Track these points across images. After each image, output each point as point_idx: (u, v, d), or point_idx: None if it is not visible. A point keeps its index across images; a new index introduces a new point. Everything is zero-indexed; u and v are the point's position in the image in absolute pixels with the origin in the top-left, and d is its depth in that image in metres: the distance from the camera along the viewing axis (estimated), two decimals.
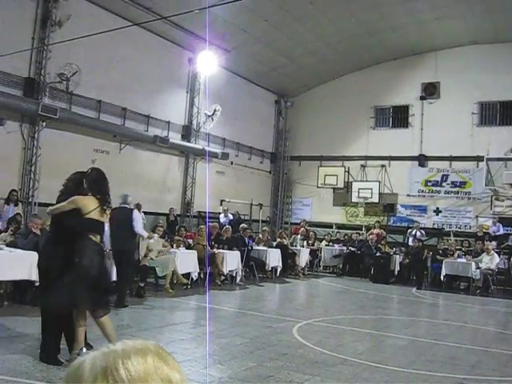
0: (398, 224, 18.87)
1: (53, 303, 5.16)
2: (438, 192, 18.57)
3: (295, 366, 5.73)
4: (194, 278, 11.36)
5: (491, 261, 13.97)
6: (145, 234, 9.77)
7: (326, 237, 17.90)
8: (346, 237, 18.23)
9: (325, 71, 19.69)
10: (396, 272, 15.46)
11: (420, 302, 12.43)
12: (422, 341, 7.60)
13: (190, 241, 12.90)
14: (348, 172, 20.13)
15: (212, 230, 13.13)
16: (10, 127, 11.72)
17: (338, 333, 7.90)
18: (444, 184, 18.49)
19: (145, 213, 12.96)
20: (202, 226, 12.96)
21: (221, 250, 12.30)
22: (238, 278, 12.70)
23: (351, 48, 18.08)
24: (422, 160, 18.76)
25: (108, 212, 5.57)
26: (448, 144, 17.99)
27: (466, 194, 18.11)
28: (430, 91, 18.77)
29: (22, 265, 7.58)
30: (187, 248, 12.00)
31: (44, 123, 12.17)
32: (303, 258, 15.61)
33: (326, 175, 20.14)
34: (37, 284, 7.64)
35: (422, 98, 18.93)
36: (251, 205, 18.92)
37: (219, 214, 16.95)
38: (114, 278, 8.48)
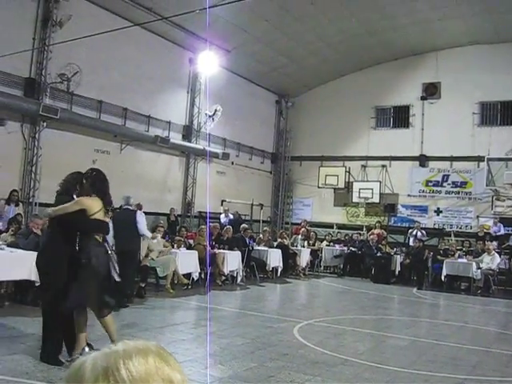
0: (399, 224, 18.87)
1: (58, 303, 5.17)
2: (439, 192, 18.56)
3: (296, 367, 5.73)
4: (195, 279, 11.36)
5: (492, 261, 13.96)
6: (149, 234, 9.88)
7: (327, 237, 17.89)
8: (346, 237, 18.22)
9: (325, 71, 19.69)
10: (397, 272, 15.45)
11: (421, 302, 12.43)
12: (422, 341, 7.59)
13: (191, 241, 12.90)
14: (349, 172, 20.12)
15: (213, 230, 13.13)
16: (10, 127, 11.73)
17: (338, 333, 7.90)
18: (445, 184, 18.49)
19: (145, 213, 12.85)
20: (203, 226, 12.97)
21: (221, 251, 12.30)
22: (239, 279, 12.69)
23: (352, 48, 18.08)
24: (423, 160, 18.76)
25: (110, 213, 5.61)
26: (449, 144, 17.99)
27: (466, 194, 18.11)
28: (431, 91, 18.76)
29: (22, 265, 7.58)
30: (188, 248, 12.00)
31: (45, 123, 12.18)
32: (304, 258, 15.61)
33: (326, 175, 20.13)
34: (37, 284, 7.65)
35: (422, 98, 18.93)
36: (252, 205, 18.92)
37: (220, 214, 16.95)
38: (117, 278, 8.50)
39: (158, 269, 10.40)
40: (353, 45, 17.79)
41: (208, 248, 11.70)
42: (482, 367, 6.27)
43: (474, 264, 13.89)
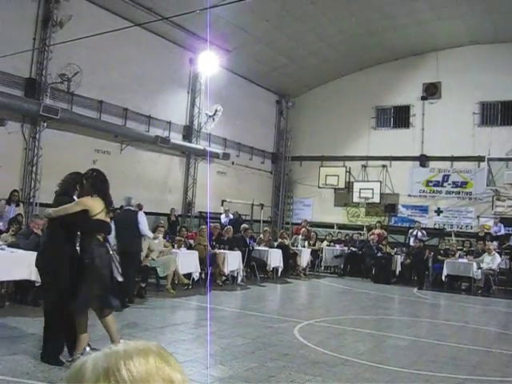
0: (399, 224, 18.86)
1: (63, 303, 5.18)
2: (440, 192, 18.56)
3: (296, 367, 5.73)
4: (195, 279, 11.37)
5: (492, 261, 13.96)
6: (151, 234, 9.96)
7: (327, 237, 17.89)
8: (347, 237, 18.22)
9: (326, 71, 19.69)
10: (397, 272, 15.46)
11: (421, 302, 12.43)
12: (423, 341, 7.59)
13: (192, 241, 12.90)
14: (349, 172, 20.12)
15: (213, 231, 13.14)
16: (11, 128, 11.73)
17: (339, 333, 7.90)
18: (445, 184, 18.49)
19: (146, 213, 12.83)
20: (203, 227, 12.97)
21: (222, 251, 12.30)
22: (239, 279, 12.70)
23: (352, 48, 18.08)
24: (423, 160, 18.76)
25: (110, 213, 5.63)
26: (449, 144, 17.98)
27: (467, 194, 18.11)
28: (431, 91, 18.76)
29: (23, 265, 7.59)
30: (188, 248, 12.00)
31: (45, 124, 12.19)
32: (304, 258, 15.61)
33: (327, 175, 20.13)
34: (37, 284, 7.66)
35: (423, 98, 18.93)
36: (252, 205, 18.92)
37: (220, 214, 16.96)
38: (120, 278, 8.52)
39: (158, 269, 10.41)
40: (353, 45, 17.79)
41: (208, 248, 11.70)
42: (483, 367, 6.27)
43: (474, 264, 13.88)
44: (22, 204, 11.43)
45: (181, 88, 16.53)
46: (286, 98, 21.08)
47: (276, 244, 15.19)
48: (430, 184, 18.73)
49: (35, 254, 7.19)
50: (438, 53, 18.48)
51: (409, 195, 19.01)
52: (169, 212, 15.42)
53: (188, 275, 11.07)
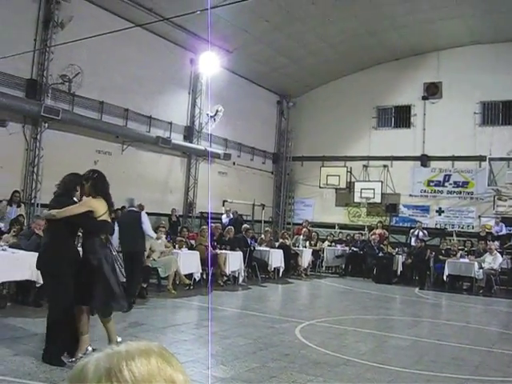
0: (401, 224, 18.86)
1: (64, 304, 5.19)
2: (441, 192, 18.55)
3: (298, 367, 5.72)
4: (197, 279, 11.37)
5: (494, 261, 13.95)
6: (154, 234, 10.05)
7: (329, 237, 17.89)
8: (348, 237, 18.20)
9: (327, 71, 19.68)
10: (398, 272, 15.45)
11: (423, 302, 12.42)
12: (424, 341, 7.59)
13: (193, 241, 12.91)
14: (350, 172, 20.12)
15: (214, 231, 13.14)
16: (12, 129, 11.74)
17: (340, 333, 7.89)
18: (446, 184, 18.48)
19: (147, 213, 12.94)
20: (204, 227, 12.98)
21: (223, 251, 12.31)
22: (241, 279, 12.70)
23: (353, 48, 18.07)
24: (425, 160, 18.75)
25: (112, 214, 5.65)
26: (450, 144, 17.98)
27: (468, 194, 18.10)
28: (432, 91, 18.75)
29: (24, 266, 7.59)
30: (189, 249, 12.00)
31: (46, 124, 12.20)
32: (306, 258, 15.60)
33: (328, 175, 20.13)
34: (37, 285, 7.67)
35: (424, 98, 18.92)
36: (253, 205, 18.93)
37: (221, 214, 16.95)
38: (123, 278, 8.56)
39: (159, 269, 10.41)
40: (354, 45, 17.78)
41: (210, 248, 11.70)
42: (484, 367, 6.26)
43: (475, 264, 13.87)
44: (23, 205, 11.44)
45: (182, 88, 16.54)
46: (286, 98, 21.09)
47: (277, 244, 15.18)
48: (432, 184, 18.73)
49: (36, 254, 7.20)
50: (439, 53, 18.48)
51: (410, 195, 19.00)
52: (170, 212, 15.43)
53: (189, 275, 11.08)
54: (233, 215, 16.77)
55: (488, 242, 14.89)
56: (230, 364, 5.70)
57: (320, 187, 20.32)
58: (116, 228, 7.81)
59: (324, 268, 16.92)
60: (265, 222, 19.40)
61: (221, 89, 16.73)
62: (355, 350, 6.77)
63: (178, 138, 16.02)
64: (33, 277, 7.59)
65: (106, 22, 12.42)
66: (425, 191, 18.82)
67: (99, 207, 5.36)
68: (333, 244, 17.45)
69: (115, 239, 8.97)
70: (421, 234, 16.72)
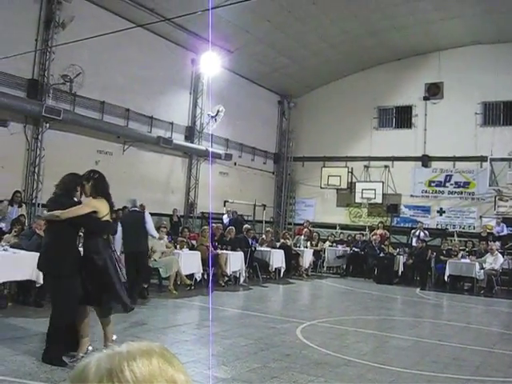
0: (402, 224, 18.84)
1: (66, 304, 5.19)
2: (442, 192, 18.54)
3: (299, 367, 5.72)
4: (198, 279, 11.37)
5: (495, 261, 13.94)
6: (156, 234, 10.10)
7: (330, 237, 17.89)
8: (349, 237, 18.19)
9: (328, 72, 19.68)
10: (400, 273, 15.44)
11: (424, 302, 12.41)
12: (425, 341, 7.58)
13: (194, 242, 12.91)
14: (351, 173, 20.11)
15: (215, 231, 13.13)
16: (13, 129, 11.75)
17: (341, 334, 7.89)
18: (447, 184, 18.47)
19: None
20: (206, 227, 12.97)
21: (224, 251, 12.30)
22: (242, 279, 12.70)
23: (354, 48, 18.07)
24: (426, 160, 18.74)
25: (113, 214, 5.67)
26: (451, 144, 17.96)
27: (469, 195, 18.08)
28: (434, 91, 18.74)
29: (25, 266, 7.60)
30: (191, 249, 12.01)
31: (47, 124, 12.21)
32: (307, 258, 15.60)
33: (329, 176, 20.12)
34: (37, 285, 7.67)
35: (425, 99, 18.91)
36: (254, 205, 18.92)
37: (223, 214, 16.95)
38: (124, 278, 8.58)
39: (160, 269, 10.41)
40: (355, 45, 17.78)
41: (211, 249, 11.70)
42: (486, 368, 6.25)
43: (477, 264, 13.86)
44: (24, 205, 11.44)
45: (183, 89, 16.54)
46: (287, 99, 21.09)
47: (278, 244, 15.19)
48: (433, 184, 18.71)
49: (37, 255, 7.21)
50: (440, 53, 18.47)
51: (411, 195, 18.99)
52: (171, 213, 15.44)
53: (190, 276, 11.08)
54: (232, 215, 16.77)
55: (489, 243, 14.87)
56: (231, 364, 5.70)
57: (321, 187, 20.32)
58: (119, 228, 7.82)
59: (325, 268, 16.92)
60: (266, 222, 19.40)
61: (222, 89, 16.73)
62: (356, 350, 6.76)
63: (179, 139, 16.02)
64: (33, 277, 7.60)
65: (108, 22, 12.43)
66: (426, 191, 18.81)
67: (102, 207, 5.37)
68: (334, 244, 17.45)
69: (119, 240, 9.01)
70: (422, 234, 16.71)
